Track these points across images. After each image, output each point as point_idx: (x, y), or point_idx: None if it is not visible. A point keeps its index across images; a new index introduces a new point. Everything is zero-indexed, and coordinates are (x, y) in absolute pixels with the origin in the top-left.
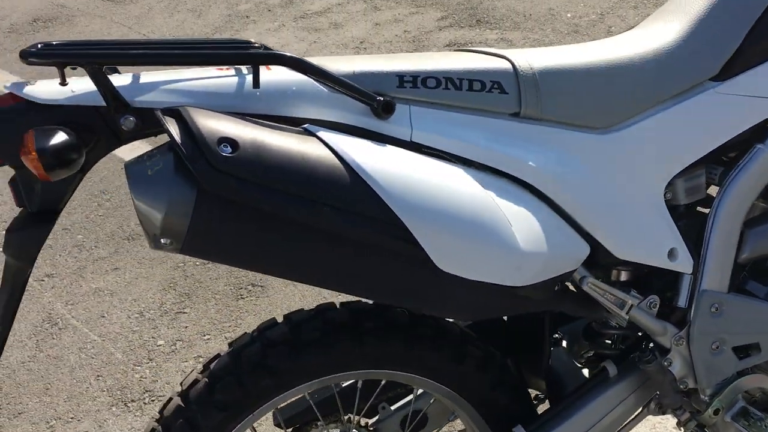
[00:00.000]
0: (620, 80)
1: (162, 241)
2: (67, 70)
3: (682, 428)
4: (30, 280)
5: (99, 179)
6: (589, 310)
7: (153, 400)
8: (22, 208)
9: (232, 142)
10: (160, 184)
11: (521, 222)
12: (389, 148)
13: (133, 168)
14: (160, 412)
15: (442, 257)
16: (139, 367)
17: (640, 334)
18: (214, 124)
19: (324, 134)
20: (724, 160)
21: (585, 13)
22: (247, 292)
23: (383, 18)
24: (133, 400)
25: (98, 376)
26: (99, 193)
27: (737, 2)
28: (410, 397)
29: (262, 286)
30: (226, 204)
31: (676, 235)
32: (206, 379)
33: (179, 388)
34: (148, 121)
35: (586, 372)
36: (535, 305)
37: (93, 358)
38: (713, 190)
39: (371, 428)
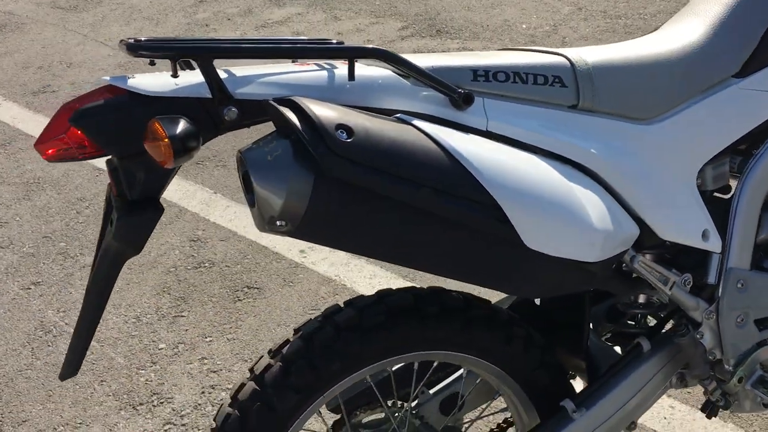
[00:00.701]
0: (660, 76)
1: (278, 223)
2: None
3: (709, 396)
4: (15, 288)
5: (74, 187)
6: (632, 287)
7: (162, 402)
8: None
9: (347, 129)
10: (280, 169)
11: (591, 203)
12: (475, 135)
13: (251, 154)
14: (233, 396)
15: (530, 235)
16: (143, 371)
17: (662, 314)
18: (329, 112)
19: (418, 123)
20: (743, 151)
21: (539, 24)
22: (243, 294)
23: (344, 28)
24: (141, 404)
25: (102, 381)
26: (77, 201)
27: (755, 5)
28: (448, 380)
29: (258, 288)
30: (342, 187)
31: (707, 217)
32: (280, 363)
33: (249, 374)
34: (247, 113)
35: (618, 349)
36: (599, 282)
37: (94, 363)
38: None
39: (413, 411)
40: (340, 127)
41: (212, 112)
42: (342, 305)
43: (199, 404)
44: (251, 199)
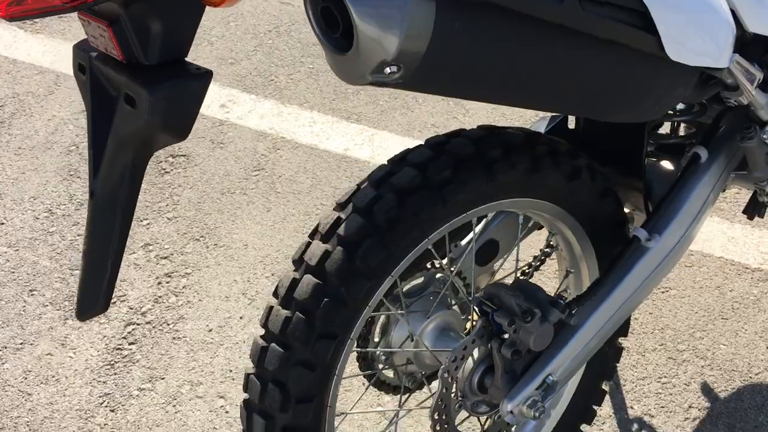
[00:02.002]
0: None
1: (388, 70)
2: None
3: (765, 198)
4: None
5: None
6: (706, 92)
7: (114, 302)
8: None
9: None
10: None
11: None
12: None
13: None
14: (285, 296)
15: (672, 45)
16: (78, 270)
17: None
18: None
19: None
20: None
21: None
22: (169, 165)
23: None
24: None
25: (31, 290)
26: None
27: None
28: (477, 228)
29: (185, 156)
30: (467, 13)
31: None
32: (340, 247)
33: (297, 266)
34: None
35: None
36: (700, 92)
37: (13, 272)
38: None
39: (451, 269)
40: None
41: None
42: (388, 164)
43: (159, 297)
44: (341, 42)
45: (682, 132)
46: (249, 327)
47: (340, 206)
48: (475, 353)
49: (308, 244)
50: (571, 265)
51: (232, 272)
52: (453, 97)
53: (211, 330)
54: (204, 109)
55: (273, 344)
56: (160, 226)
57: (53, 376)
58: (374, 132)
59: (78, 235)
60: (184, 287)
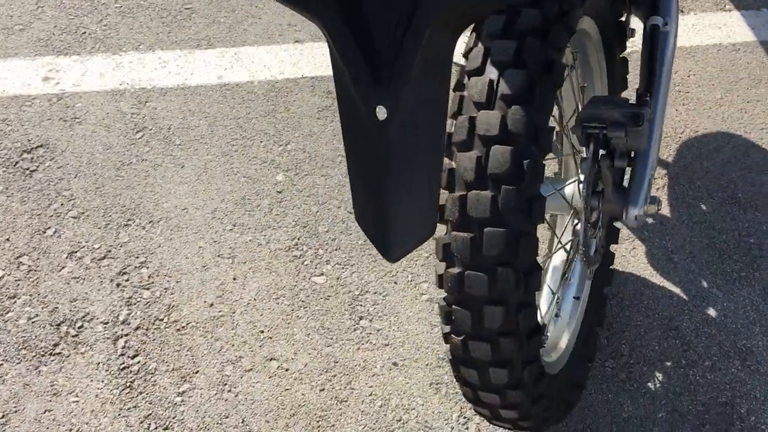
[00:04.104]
0: None
1: None
2: None
3: None
4: None
5: None
6: None
7: (80, 326)
8: None
9: None
10: None
11: None
12: None
13: None
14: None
15: None
16: None
17: None
18: None
19: None
20: None
21: None
22: (30, 162)
23: None
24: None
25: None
26: None
27: None
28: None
29: (43, 146)
30: None
31: None
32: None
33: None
34: None
35: None
36: None
37: None
38: None
39: None
40: None
41: None
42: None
43: (129, 298)
44: None
45: None
46: (250, 283)
47: (476, 72)
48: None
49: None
50: (584, 80)
51: (191, 241)
52: None
53: (212, 304)
54: (25, 90)
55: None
56: (71, 228)
57: (70, 431)
58: (236, 50)
59: None
60: (150, 277)
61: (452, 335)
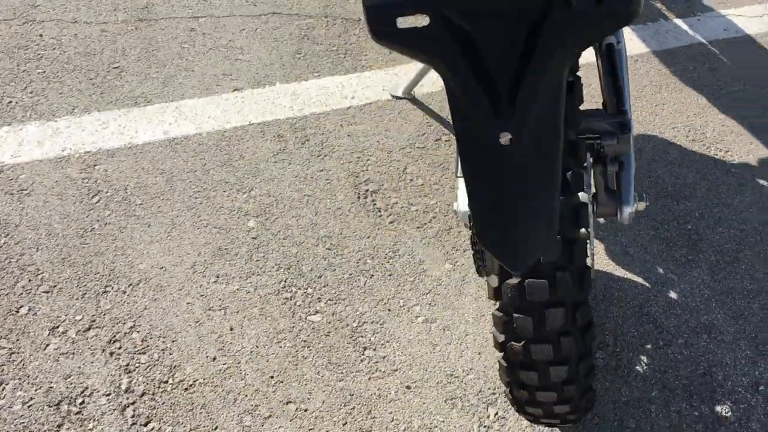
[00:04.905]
0: None
1: None
2: None
3: None
4: None
5: None
6: None
7: (81, 401)
8: None
9: None
10: None
11: None
12: None
13: None
14: None
15: None
16: None
17: None
18: None
19: None
20: None
21: None
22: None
23: None
24: None
25: None
26: None
27: None
28: None
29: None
30: None
31: None
32: None
33: None
34: None
35: None
36: None
37: None
38: None
39: None
40: None
41: None
42: None
43: (126, 366)
44: None
45: None
46: (248, 331)
47: None
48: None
49: None
50: None
51: (177, 298)
52: None
53: (215, 358)
54: None
55: None
56: (46, 304)
57: None
58: (176, 104)
59: None
60: (143, 341)
61: (511, 343)
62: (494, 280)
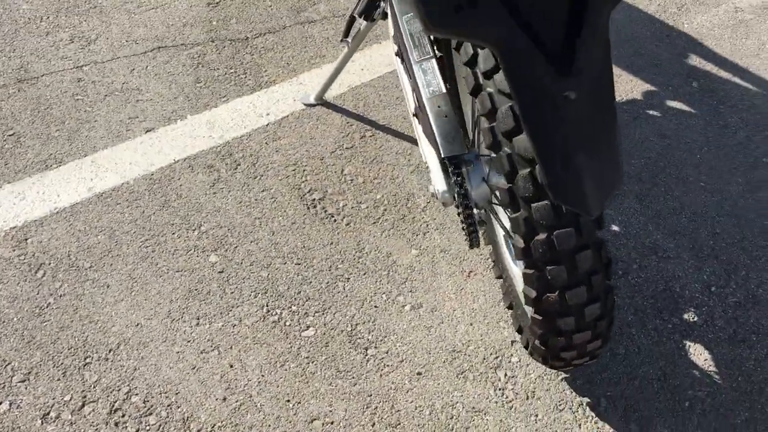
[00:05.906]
0: None
1: None
2: None
3: None
4: None
5: None
6: None
7: None
8: None
9: None
10: None
11: None
12: None
13: None
14: None
15: None
16: None
17: None
18: None
19: None
20: None
21: None
22: None
23: None
24: None
25: None
26: None
27: None
28: None
29: None
30: None
31: None
32: None
33: None
34: None
35: None
36: None
37: None
38: None
39: None
40: None
41: None
42: None
43: None
44: None
45: None
46: (249, 363)
47: None
48: None
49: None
50: None
51: (165, 350)
52: None
53: (225, 399)
54: None
55: None
56: (26, 393)
57: None
58: (91, 158)
59: None
60: (145, 402)
61: (547, 295)
62: (519, 242)
